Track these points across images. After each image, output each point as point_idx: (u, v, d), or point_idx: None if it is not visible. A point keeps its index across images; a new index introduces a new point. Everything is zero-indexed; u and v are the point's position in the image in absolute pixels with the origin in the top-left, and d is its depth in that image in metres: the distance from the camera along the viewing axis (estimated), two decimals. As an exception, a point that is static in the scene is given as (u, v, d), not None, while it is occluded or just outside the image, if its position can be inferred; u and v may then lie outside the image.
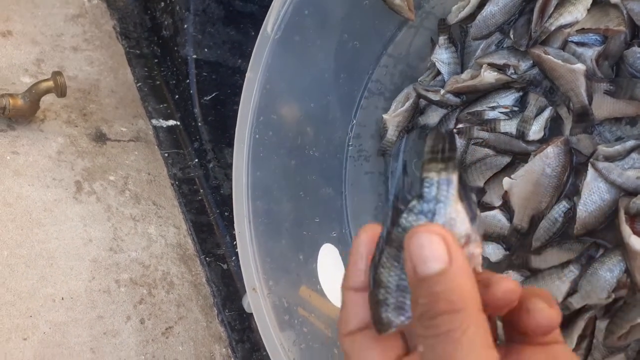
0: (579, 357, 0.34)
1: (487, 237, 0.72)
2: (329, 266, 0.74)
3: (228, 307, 0.94)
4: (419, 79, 0.78)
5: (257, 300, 0.66)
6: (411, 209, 0.32)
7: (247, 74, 0.66)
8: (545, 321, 0.33)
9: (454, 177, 0.31)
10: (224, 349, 0.91)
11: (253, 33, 1.10)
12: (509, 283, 0.32)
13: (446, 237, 0.29)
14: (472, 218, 0.32)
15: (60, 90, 0.84)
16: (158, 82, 1.10)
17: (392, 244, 0.32)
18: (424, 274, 0.29)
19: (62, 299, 0.79)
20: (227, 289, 0.96)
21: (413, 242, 0.30)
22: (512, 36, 0.68)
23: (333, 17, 0.70)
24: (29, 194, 0.84)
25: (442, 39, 0.73)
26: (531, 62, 0.67)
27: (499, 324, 0.35)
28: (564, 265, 0.64)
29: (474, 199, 0.33)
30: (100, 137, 0.96)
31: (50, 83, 0.84)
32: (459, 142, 0.73)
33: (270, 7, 0.64)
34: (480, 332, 0.28)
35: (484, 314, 0.29)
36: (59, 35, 1.03)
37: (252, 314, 0.69)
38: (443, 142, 0.32)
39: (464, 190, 0.32)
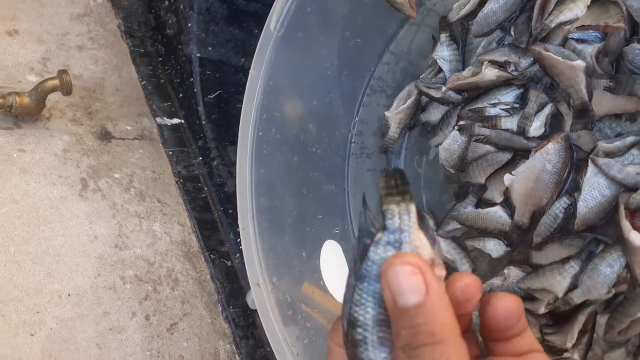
0: None
1: (489, 233, 0.73)
2: (332, 262, 0.75)
3: (232, 304, 0.95)
4: (420, 76, 0.78)
5: (261, 295, 0.67)
6: (378, 242, 0.33)
7: (251, 71, 0.67)
8: (503, 307, 0.34)
9: (412, 207, 0.33)
10: (228, 345, 0.92)
11: (256, 31, 1.10)
12: (467, 278, 0.33)
13: (421, 267, 0.31)
14: (433, 243, 0.33)
15: (66, 89, 0.85)
16: (162, 81, 1.11)
17: (364, 279, 0.33)
18: (404, 306, 0.30)
19: (69, 295, 0.80)
20: (231, 286, 0.97)
21: (390, 274, 0.31)
22: (512, 33, 0.68)
23: (335, 14, 0.70)
24: (35, 191, 0.85)
25: (443, 37, 0.74)
26: (532, 59, 0.67)
27: (480, 339, 0.37)
28: (565, 260, 0.64)
29: (432, 225, 0.35)
30: (105, 135, 0.97)
31: (56, 81, 0.85)
32: (461, 138, 0.74)
33: (273, 5, 0.65)
34: (459, 358, 0.30)
35: (462, 340, 0.30)
36: (65, 34, 1.04)
37: (256, 310, 0.69)
38: (395, 178, 0.34)
39: (421, 219, 0.33)
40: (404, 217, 0.33)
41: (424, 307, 0.30)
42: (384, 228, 0.33)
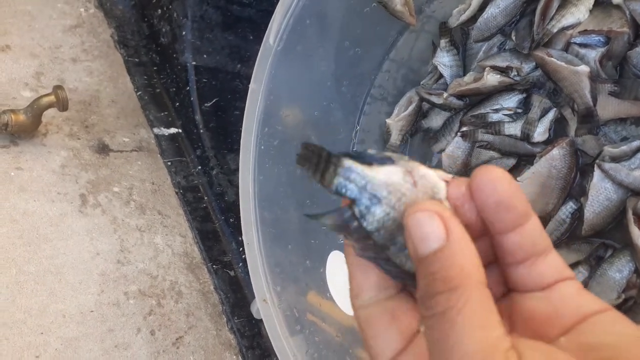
0: (601, 301, 0.30)
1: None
2: (338, 273, 0.74)
3: (237, 314, 0.94)
4: (421, 83, 0.77)
5: (268, 311, 0.67)
6: (362, 215, 0.29)
7: (251, 86, 0.66)
8: (486, 182, 0.29)
9: (346, 161, 0.29)
10: (234, 356, 0.91)
11: (251, 37, 1.09)
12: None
13: (442, 213, 0.28)
14: (390, 162, 0.30)
15: (62, 105, 0.84)
16: (158, 90, 1.10)
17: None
18: (423, 254, 0.28)
19: (73, 314, 0.80)
20: (235, 296, 0.96)
21: (410, 222, 0.28)
22: (514, 38, 0.68)
23: (334, 25, 0.69)
24: (34, 210, 0.84)
25: (443, 42, 0.73)
26: (534, 63, 0.67)
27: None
28: (573, 266, 0.64)
29: (372, 151, 0.30)
30: (103, 149, 0.96)
31: (52, 97, 0.84)
32: (464, 145, 0.73)
33: (272, 18, 0.64)
34: (478, 310, 0.26)
35: (486, 289, 0.27)
36: (57, 47, 1.02)
37: (261, 320, 0.69)
38: (309, 153, 0.30)
39: (364, 159, 0.29)
40: (350, 175, 0.29)
41: (443, 253, 0.27)
42: (350, 202, 0.29)
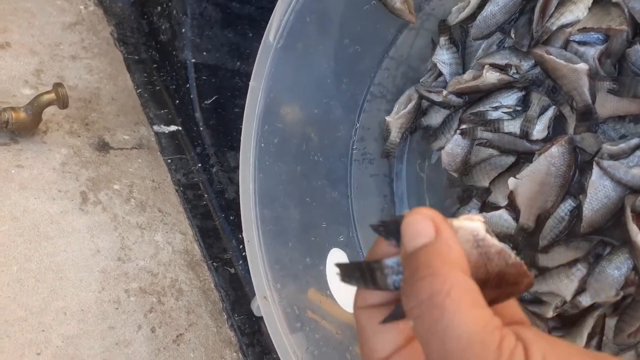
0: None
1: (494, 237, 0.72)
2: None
3: (237, 312, 0.95)
4: (420, 80, 0.78)
5: (269, 308, 0.67)
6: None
7: (251, 83, 0.66)
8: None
9: (385, 261, 0.31)
10: (234, 354, 0.92)
11: (251, 34, 1.09)
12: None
13: (435, 217, 0.29)
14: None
15: (63, 102, 0.84)
16: (158, 88, 1.10)
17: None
18: (412, 248, 0.29)
19: (73, 311, 0.80)
20: (236, 293, 0.96)
21: (405, 222, 0.29)
22: (513, 36, 0.68)
23: (334, 22, 0.69)
24: (35, 207, 0.84)
25: (442, 40, 0.73)
26: (533, 61, 0.67)
27: None
28: (572, 263, 0.64)
29: (386, 219, 0.32)
30: (103, 146, 0.97)
31: (52, 95, 0.84)
32: (464, 142, 0.73)
33: (272, 16, 0.64)
34: (465, 292, 0.27)
35: (472, 280, 0.28)
36: (57, 44, 1.02)
37: (261, 317, 0.69)
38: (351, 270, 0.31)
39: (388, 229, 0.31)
40: (394, 265, 0.30)
41: (429, 247, 0.28)
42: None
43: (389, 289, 0.30)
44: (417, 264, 0.28)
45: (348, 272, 0.31)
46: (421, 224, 0.29)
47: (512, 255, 0.31)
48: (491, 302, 0.29)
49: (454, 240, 0.29)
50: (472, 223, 0.31)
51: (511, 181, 0.68)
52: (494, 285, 0.30)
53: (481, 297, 0.27)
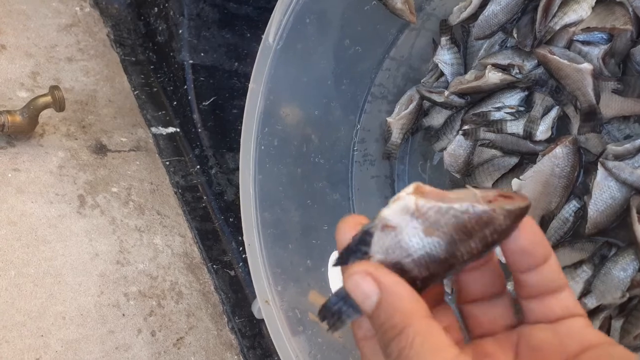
0: (606, 336, 0.32)
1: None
2: (339, 273, 0.74)
3: (238, 314, 0.94)
4: (421, 81, 0.77)
5: (270, 312, 0.66)
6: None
7: (250, 85, 0.66)
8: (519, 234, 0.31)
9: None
10: (235, 357, 0.91)
11: (249, 35, 1.09)
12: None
13: (370, 270, 0.30)
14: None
15: (59, 105, 0.83)
16: (155, 89, 1.09)
17: None
18: (370, 311, 0.30)
19: (73, 316, 0.79)
20: (236, 296, 0.95)
21: (349, 286, 0.31)
22: (515, 36, 0.67)
23: (334, 23, 0.69)
24: (32, 211, 0.83)
25: (444, 40, 0.73)
26: (536, 61, 0.66)
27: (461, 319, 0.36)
28: (577, 265, 0.64)
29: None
30: (100, 149, 0.96)
31: (49, 98, 0.83)
32: (466, 143, 0.73)
33: (271, 17, 0.63)
34: (427, 339, 0.29)
35: (431, 320, 0.29)
36: (53, 46, 1.01)
37: (262, 319, 0.69)
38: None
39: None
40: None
41: (382, 304, 0.30)
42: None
43: (355, 314, 0.32)
44: (382, 327, 0.30)
45: (324, 316, 0.33)
46: (363, 285, 0.30)
47: (453, 206, 0.30)
48: (483, 249, 0.30)
49: (397, 283, 0.30)
50: (400, 202, 0.31)
51: (515, 182, 0.67)
52: (466, 237, 0.30)
53: (444, 337, 0.29)
